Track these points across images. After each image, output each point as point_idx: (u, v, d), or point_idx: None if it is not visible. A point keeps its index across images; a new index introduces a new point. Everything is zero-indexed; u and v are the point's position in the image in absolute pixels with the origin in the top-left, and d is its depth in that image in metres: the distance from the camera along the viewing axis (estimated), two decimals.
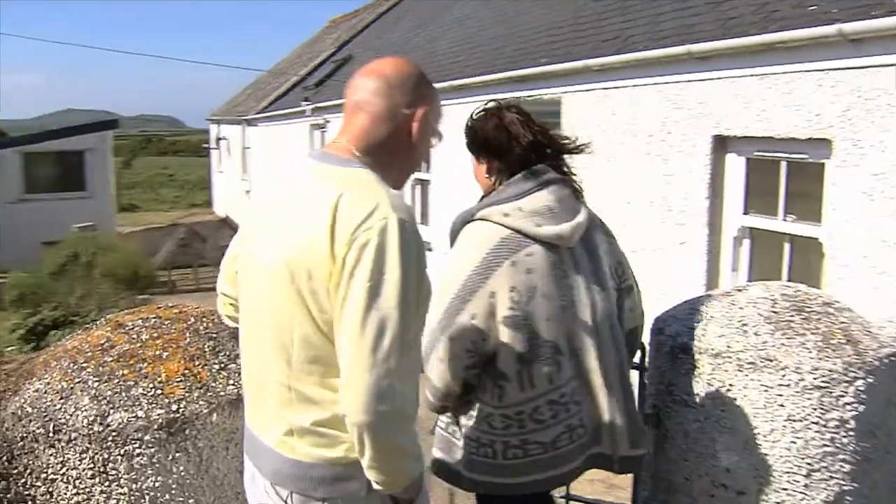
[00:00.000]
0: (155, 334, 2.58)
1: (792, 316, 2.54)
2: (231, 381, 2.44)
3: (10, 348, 6.80)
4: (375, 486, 1.60)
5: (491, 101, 2.50)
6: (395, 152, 1.75)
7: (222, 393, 2.39)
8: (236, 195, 19.50)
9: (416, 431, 1.61)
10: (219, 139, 21.10)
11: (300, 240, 1.57)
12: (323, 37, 20.61)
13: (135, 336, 2.55)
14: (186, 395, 2.34)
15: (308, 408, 1.63)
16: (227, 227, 20.56)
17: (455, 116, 7.80)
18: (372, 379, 1.48)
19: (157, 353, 2.48)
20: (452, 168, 8.51)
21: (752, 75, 4.65)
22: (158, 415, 2.26)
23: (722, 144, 5.06)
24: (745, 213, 5.04)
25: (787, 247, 4.79)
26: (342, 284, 1.51)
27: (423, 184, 9.52)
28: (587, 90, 6.22)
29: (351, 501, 1.66)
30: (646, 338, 2.69)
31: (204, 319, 2.69)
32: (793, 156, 4.65)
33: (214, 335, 2.60)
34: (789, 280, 4.74)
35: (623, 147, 5.86)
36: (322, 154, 1.72)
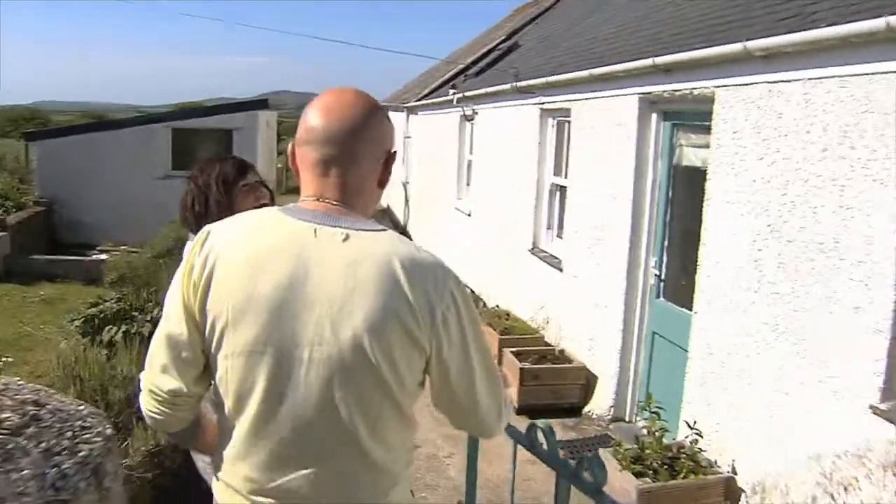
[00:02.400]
0: None
1: None
2: None
3: (62, 343, 6.14)
4: None
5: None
6: (368, 198, 1.76)
7: None
8: (397, 186, 18.82)
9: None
10: None
11: (385, 316, 1.57)
12: (502, 24, 19.52)
13: None
14: None
15: (381, 477, 1.68)
16: (387, 217, 19.99)
17: (600, 109, 6.38)
18: (498, 405, 1.79)
19: None
20: (595, 170, 7.08)
21: None
22: None
23: None
24: None
25: None
26: (444, 346, 1.63)
27: (561, 190, 8.13)
28: (747, 84, 4.64)
29: None
30: None
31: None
32: None
33: None
34: None
35: (787, 163, 4.26)
36: (323, 215, 1.64)
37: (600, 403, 6.68)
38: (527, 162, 8.77)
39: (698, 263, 5.17)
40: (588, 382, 6.85)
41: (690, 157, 5.81)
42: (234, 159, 3.05)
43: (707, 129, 5.21)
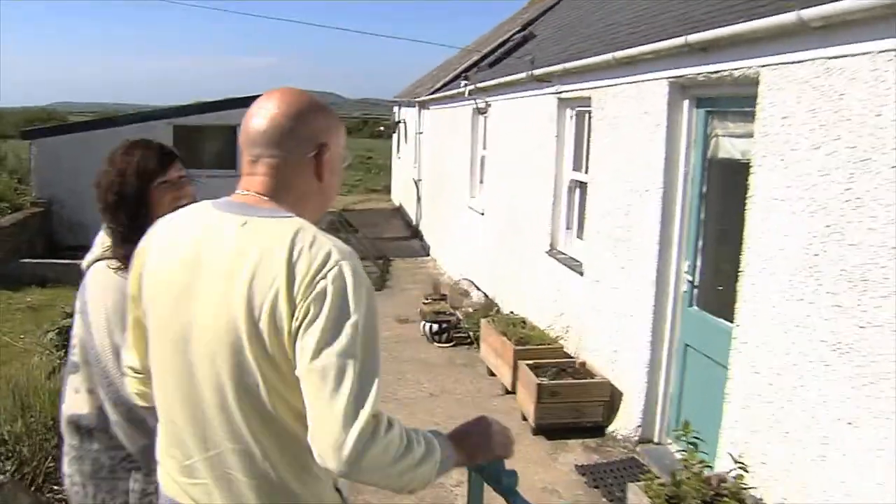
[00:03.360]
0: None
1: None
2: None
3: (35, 356, 5.60)
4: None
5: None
6: (303, 191, 1.75)
7: None
8: (409, 184, 18.20)
9: (396, 454, 1.54)
10: (397, 122, 19.90)
11: (258, 296, 1.56)
12: (516, 17, 18.85)
13: None
14: None
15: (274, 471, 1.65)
16: (399, 217, 19.37)
17: (625, 97, 5.72)
18: (336, 427, 1.49)
19: None
20: (619, 164, 6.45)
21: None
22: None
23: None
24: None
25: None
26: (302, 335, 1.53)
27: (581, 187, 7.49)
28: (800, 61, 3.98)
29: None
30: None
31: None
32: None
33: None
34: None
35: (852, 153, 3.61)
36: (239, 205, 1.71)
37: (626, 422, 6.03)
38: (543, 156, 8.13)
39: (740, 269, 4.52)
40: (612, 399, 6.20)
41: (728, 147, 5.15)
42: (159, 148, 2.58)
43: (749, 116, 4.56)
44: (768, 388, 4.25)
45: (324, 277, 1.53)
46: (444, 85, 15.17)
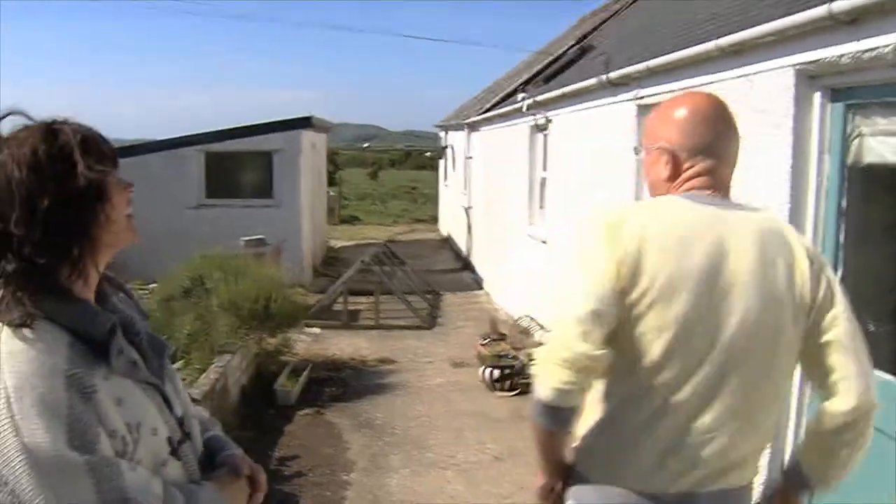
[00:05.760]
0: None
1: None
2: None
3: None
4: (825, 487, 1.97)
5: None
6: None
7: None
8: (459, 213, 17.20)
9: None
10: (444, 148, 18.97)
11: (791, 288, 1.87)
12: (568, 34, 17.88)
13: None
14: None
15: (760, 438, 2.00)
16: (448, 247, 18.34)
17: (731, 94, 4.50)
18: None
19: None
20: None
21: None
22: None
23: None
24: None
25: None
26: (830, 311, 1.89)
27: None
28: None
29: None
30: None
31: None
32: None
33: None
34: None
35: None
36: (726, 202, 2.03)
37: None
38: (616, 175, 7.04)
39: None
40: None
41: (880, 150, 4.02)
42: (72, 127, 1.50)
43: None
44: None
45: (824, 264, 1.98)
46: (495, 104, 14.19)
